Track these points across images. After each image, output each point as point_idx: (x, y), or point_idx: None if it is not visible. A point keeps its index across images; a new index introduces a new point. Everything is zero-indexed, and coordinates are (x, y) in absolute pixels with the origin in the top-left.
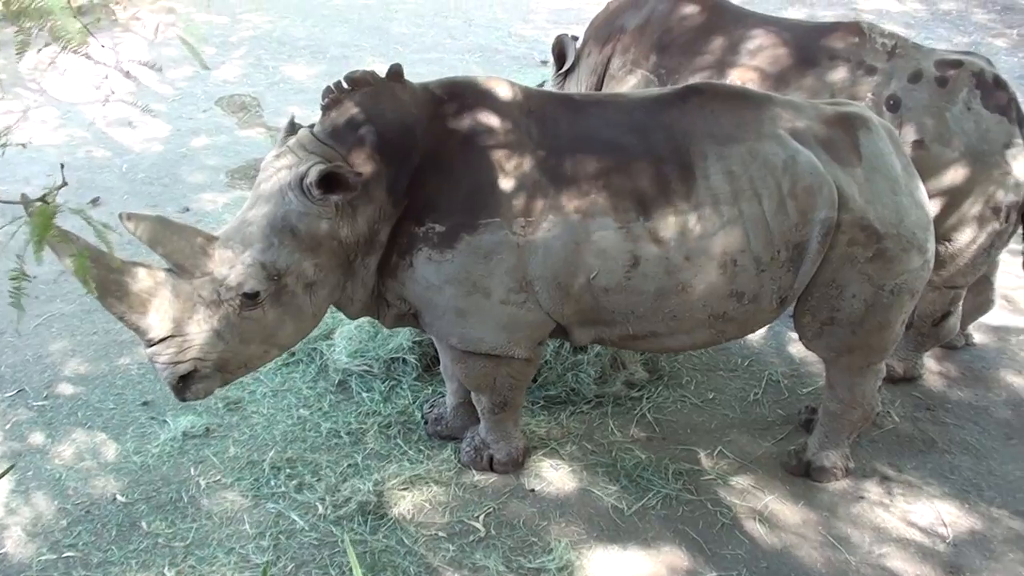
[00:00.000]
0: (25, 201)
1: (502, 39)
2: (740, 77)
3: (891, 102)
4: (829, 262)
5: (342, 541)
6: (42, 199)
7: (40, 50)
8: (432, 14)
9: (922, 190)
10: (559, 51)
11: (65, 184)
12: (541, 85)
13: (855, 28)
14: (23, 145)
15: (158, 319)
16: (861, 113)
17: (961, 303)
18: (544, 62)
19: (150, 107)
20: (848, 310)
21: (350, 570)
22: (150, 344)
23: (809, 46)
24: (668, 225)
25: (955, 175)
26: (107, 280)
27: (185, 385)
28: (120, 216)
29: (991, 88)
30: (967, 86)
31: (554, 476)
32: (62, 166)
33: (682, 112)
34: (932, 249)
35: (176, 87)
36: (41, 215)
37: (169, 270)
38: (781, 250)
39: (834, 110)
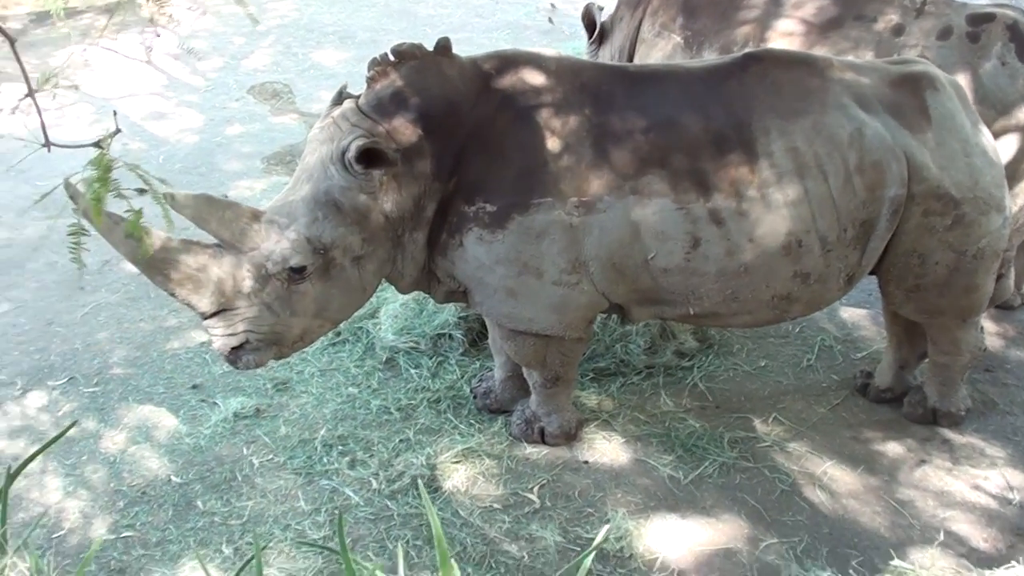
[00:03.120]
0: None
1: (530, 14)
2: (786, 28)
3: None
4: (906, 233)
5: (399, 514)
6: (97, 144)
7: (89, 46)
8: None
9: (992, 144)
10: (588, 20)
11: (119, 131)
12: None
13: None
14: (75, 87)
15: (208, 294)
16: (927, 71)
17: (1013, 264)
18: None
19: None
20: (932, 276)
21: (407, 542)
22: (203, 317)
23: (847, 1)
24: (729, 206)
25: (993, 134)
26: (155, 257)
27: (237, 356)
28: (164, 196)
29: None
30: (1000, 40)
31: (607, 448)
32: (115, 112)
33: (741, 84)
34: (1009, 205)
35: (207, 78)
36: (98, 163)
37: (217, 245)
38: (848, 228)
39: (899, 70)
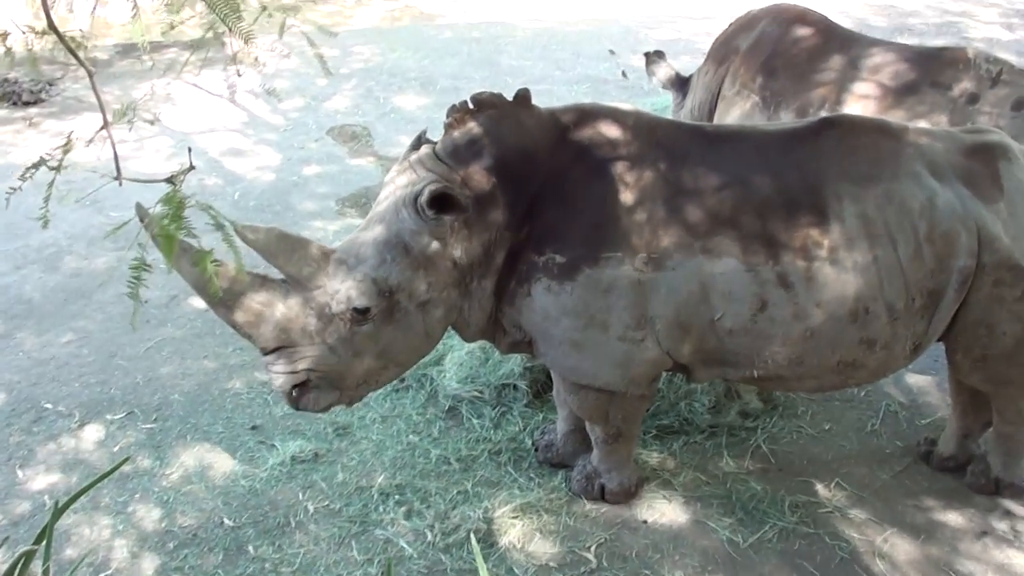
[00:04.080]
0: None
1: (610, 70)
2: (863, 91)
3: None
4: (975, 303)
5: (452, 569)
6: (170, 180)
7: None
8: (540, 46)
9: None
10: (669, 76)
11: (193, 167)
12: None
13: (961, 54)
14: (151, 122)
15: (270, 330)
16: (1001, 141)
17: None
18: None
19: (263, 136)
20: (1000, 347)
21: None
22: (264, 353)
23: (924, 67)
24: (798, 270)
25: None
26: (222, 290)
27: (299, 395)
28: (237, 228)
29: None
30: None
31: (667, 508)
32: (190, 149)
33: (816, 149)
34: None
35: (288, 117)
36: (170, 201)
37: (284, 281)
38: (916, 298)
39: (973, 139)
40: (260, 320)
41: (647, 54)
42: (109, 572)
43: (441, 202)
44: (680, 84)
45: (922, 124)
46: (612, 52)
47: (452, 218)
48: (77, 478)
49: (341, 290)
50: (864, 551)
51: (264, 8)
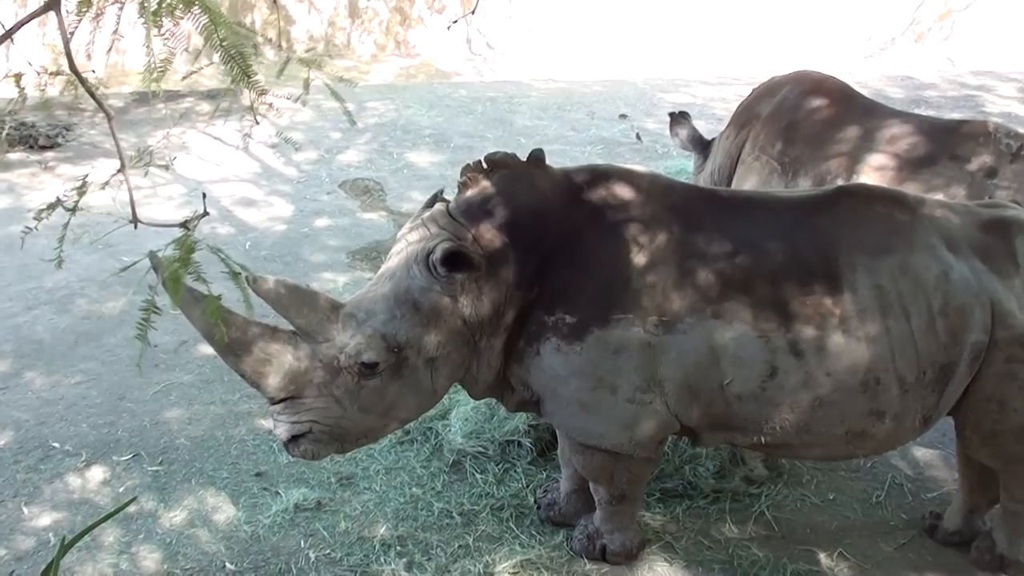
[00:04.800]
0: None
1: (624, 132)
2: (879, 162)
3: None
4: (986, 379)
5: None
6: (184, 224)
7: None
8: (555, 107)
9: None
10: (690, 134)
11: (207, 214)
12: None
13: (982, 127)
14: (165, 167)
15: (277, 380)
16: (1018, 217)
17: None
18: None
19: (276, 187)
20: (1011, 423)
21: None
22: (271, 402)
23: (941, 139)
24: (810, 338)
25: None
26: (231, 337)
27: (296, 443)
28: (247, 278)
29: None
30: None
31: (668, 571)
32: (204, 195)
33: (832, 217)
34: None
35: (301, 169)
36: (181, 244)
37: (293, 333)
38: (927, 371)
39: (990, 214)
40: (268, 370)
41: (672, 115)
42: None
43: (454, 260)
44: (702, 146)
45: (939, 197)
46: (624, 116)
47: (463, 276)
48: (82, 517)
49: (350, 344)
50: None
51: (287, 60)
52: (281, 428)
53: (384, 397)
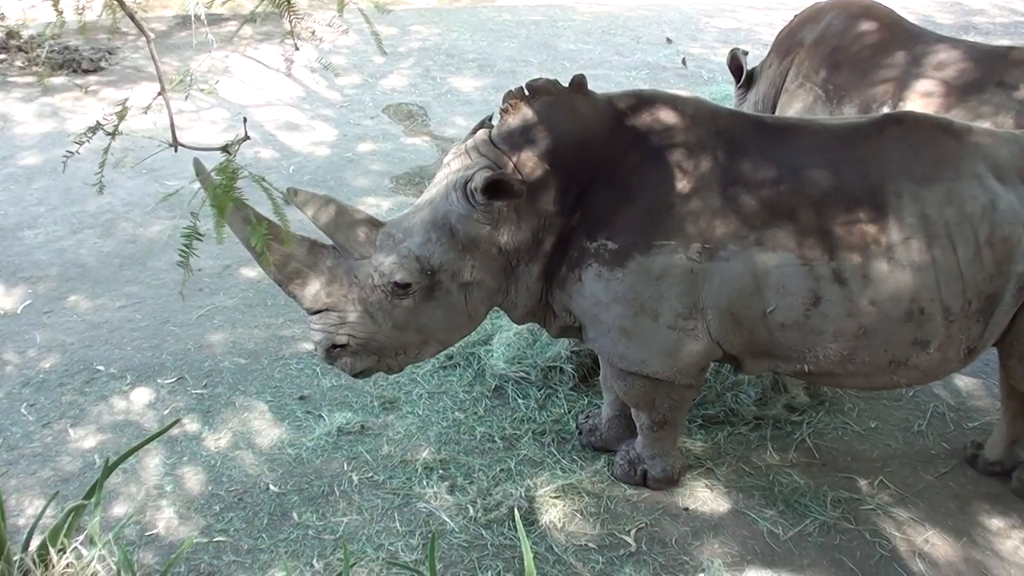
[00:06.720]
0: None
1: (669, 57)
2: (926, 88)
3: None
4: None
5: (493, 544)
6: (225, 148)
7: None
8: (600, 31)
9: None
10: (735, 64)
11: (248, 138)
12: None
13: None
14: (208, 91)
15: (315, 292)
16: None
17: None
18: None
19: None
20: None
21: (497, 573)
22: (309, 313)
23: (989, 66)
24: (854, 267)
25: None
26: (271, 249)
27: (335, 355)
28: (288, 191)
29: None
30: None
31: (709, 497)
32: (245, 120)
33: (878, 145)
34: None
35: (344, 94)
36: (224, 171)
37: (332, 247)
38: (973, 301)
39: None
40: (306, 281)
41: (734, 51)
42: (155, 531)
43: (493, 188)
44: (738, 74)
45: (986, 125)
46: (669, 40)
47: (502, 204)
48: (127, 439)
49: (385, 263)
50: (904, 550)
51: None
52: (317, 336)
53: (418, 317)
